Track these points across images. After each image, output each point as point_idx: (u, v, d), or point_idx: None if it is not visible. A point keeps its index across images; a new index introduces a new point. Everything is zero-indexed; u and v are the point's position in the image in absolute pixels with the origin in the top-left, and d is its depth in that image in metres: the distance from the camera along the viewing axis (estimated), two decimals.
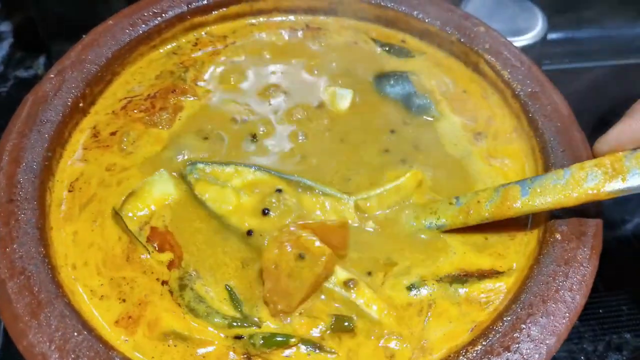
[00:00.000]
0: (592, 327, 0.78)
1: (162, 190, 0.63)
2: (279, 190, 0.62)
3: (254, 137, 0.69)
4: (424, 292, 0.58)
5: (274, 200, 0.61)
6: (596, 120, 1.02)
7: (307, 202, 0.62)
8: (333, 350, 0.54)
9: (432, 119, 0.73)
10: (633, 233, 0.91)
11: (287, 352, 0.54)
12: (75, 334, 0.50)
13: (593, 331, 0.77)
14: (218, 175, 0.64)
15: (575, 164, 0.57)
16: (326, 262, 0.55)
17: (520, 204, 0.57)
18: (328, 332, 0.55)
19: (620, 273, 0.85)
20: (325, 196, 0.63)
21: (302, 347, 0.54)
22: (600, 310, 0.80)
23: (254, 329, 0.55)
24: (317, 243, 0.56)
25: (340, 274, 0.58)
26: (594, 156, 0.57)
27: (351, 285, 0.57)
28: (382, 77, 0.77)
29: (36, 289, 0.53)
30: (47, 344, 0.50)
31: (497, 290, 0.58)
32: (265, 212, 0.61)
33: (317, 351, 0.54)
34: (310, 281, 0.55)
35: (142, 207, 0.62)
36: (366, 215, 0.63)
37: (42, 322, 0.51)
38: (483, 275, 0.59)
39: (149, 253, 0.59)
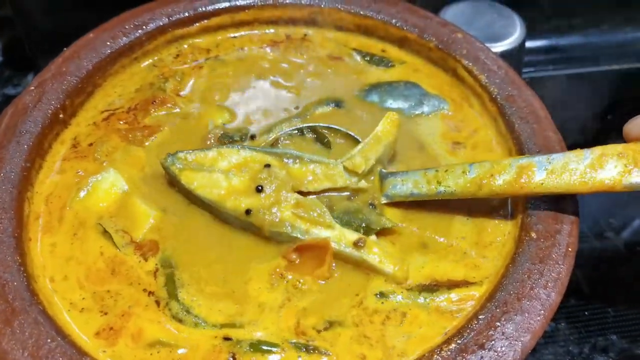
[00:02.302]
0: (577, 330, 0.77)
1: (111, 183, 0.64)
2: (268, 166, 0.63)
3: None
4: (391, 300, 0.58)
5: (264, 176, 0.61)
6: (579, 126, 1.03)
7: (297, 172, 0.63)
8: (327, 351, 0.54)
9: (451, 113, 0.75)
10: (623, 242, 0.91)
11: (274, 357, 0.54)
12: (49, 340, 0.50)
13: (579, 333, 0.77)
14: (202, 162, 0.63)
15: (598, 147, 0.55)
16: None
17: (535, 184, 0.56)
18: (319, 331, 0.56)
19: (607, 278, 0.85)
20: (313, 163, 0.64)
21: (292, 351, 0.54)
22: (586, 313, 0.79)
23: (242, 332, 0.55)
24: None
25: (349, 235, 0.60)
26: (623, 136, 0.55)
27: (361, 244, 0.59)
28: (375, 88, 0.77)
29: (11, 297, 0.53)
30: (21, 350, 0.50)
31: (467, 299, 0.57)
32: (259, 189, 0.61)
33: (311, 352, 0.54)
34: None
35: (96, 203, 0.63)
36: (355, 178, 0.64)
37: (16, 329, 0.51)
38: (453, 285, 0.59)
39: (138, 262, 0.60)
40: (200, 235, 0.62)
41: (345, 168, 0.64)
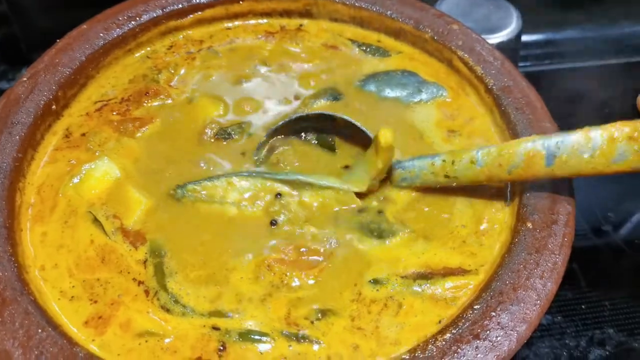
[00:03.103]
0: (574, 323, 0.77)
1: (104, 171, 0.64)
2: (279, 195, 0.62)
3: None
4: (386, 286, 0.57)
5: (277, 209, 0.62)
6: (576, 120, 1.02)
7: (310, 201, 0.63)
8: (319, 340, 0.54)
9: (450, 100, 0.74)
10: (621, 236, 0.91)
11: (263, 346, 0.53)
12: (40, 330, 0.50)
13: (576, 327, 0.77)
14: (213, 193, 0.63)
15: (606, 128, 0.52)
16: None
17: (544, 172, 0.55)
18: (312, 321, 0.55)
19: (604, 271, 0.84)
20: (324, 189, 0.63)
21: (282, 340, 0.54)
22: (583, 306, 0.79)
23: (230, 322, 0.54)
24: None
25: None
26: (637, 106, 0.54)
27: None
28: (372, 78, 0.77)
29: (1, 287, 0.52)
30: (11, 341, 0.49)
31: (462, 287, 0.57)
32: (273, 223, 0.61)
33: (302, 342, 0.54)
34: None
35: (88, 190, 0.63)
36: (364, 201, 0.64)
37: (6, 319, 0.50)
38: (448, 273, 0.58)
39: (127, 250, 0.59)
40: (191, 225, 0.61)
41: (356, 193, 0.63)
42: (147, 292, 0.56)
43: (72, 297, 0.55)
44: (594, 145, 0.53)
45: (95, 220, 0.60)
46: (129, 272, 0.57)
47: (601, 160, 0.52)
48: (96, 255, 0.58)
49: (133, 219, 0.61)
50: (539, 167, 0.55)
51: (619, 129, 0.52)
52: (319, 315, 0.55)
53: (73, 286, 0.56)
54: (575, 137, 0.54)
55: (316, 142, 0.69)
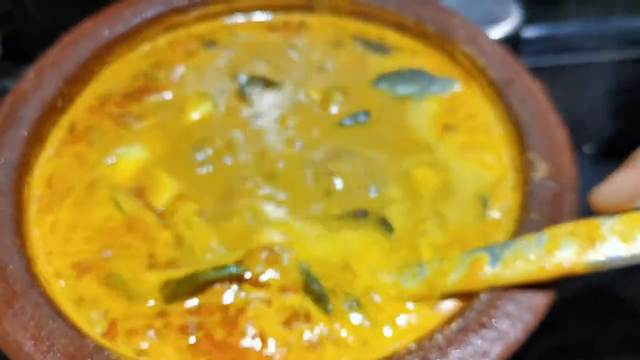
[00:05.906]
0: (576, 313, 0.77)
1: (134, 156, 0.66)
2: None
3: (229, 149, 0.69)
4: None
5: None
6: (578, 114, 1.03)
7: None
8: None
9: (462, 90, 0.74)
10: None
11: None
12: (50, 321, 0.50)
13: (577, 318, 0.77)
14: None
15: (550, 229, 0.52)
16: None
17: (489, 277, 0.53)
18: None
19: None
20: None
21: None
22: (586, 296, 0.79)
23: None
24: None
25: None
26: (591, 207, 0.51)
27: None
28: (383, 78, 0.76)
29: (11, 279, 0.53)
30: (22, 332, 0.50)
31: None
32: None
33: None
34: None
35: (122, 175, 0.64)
36: None
37: (17, 311, 0.51)
38: None
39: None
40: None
41: None
42: None
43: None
44: (538, 244, 0.51)
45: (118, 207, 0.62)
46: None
47: (547, 259, 0.50)
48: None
49: (160, 202, 0.62)
50: (483, 272, 0.53)
51: (562, 228, 0.51)
52: None
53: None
54: (518, 241, 0.53)
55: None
